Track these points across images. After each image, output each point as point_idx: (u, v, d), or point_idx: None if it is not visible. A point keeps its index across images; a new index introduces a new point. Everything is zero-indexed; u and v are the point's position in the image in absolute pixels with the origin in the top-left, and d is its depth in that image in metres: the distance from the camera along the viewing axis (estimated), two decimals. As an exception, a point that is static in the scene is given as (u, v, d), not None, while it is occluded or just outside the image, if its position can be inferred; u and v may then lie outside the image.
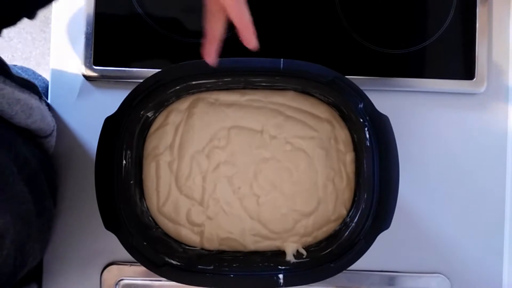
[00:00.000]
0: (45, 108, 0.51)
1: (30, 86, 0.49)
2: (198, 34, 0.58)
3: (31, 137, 0.49)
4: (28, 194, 0.44)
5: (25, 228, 0.45)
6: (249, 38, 0.40)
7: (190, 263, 0.49)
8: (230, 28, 0.58)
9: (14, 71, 0.46)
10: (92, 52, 0.57)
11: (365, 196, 0.49)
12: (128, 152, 0.49)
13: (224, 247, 0.53)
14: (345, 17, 0.58)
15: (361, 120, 0.48)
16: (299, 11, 0.58)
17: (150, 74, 0.48)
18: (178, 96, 0.52)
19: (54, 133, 0.52)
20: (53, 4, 0.58)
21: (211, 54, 0.40)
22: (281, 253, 0.52)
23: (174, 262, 0.49)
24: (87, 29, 0.56)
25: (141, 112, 0.49)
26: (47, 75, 0.62)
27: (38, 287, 0.55)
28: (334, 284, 0.56)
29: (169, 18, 0.58)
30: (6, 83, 0.43)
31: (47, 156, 0.53)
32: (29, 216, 0.45)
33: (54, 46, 0.58)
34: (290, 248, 0.52)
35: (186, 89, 0.51)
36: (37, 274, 0.56)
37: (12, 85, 0.44)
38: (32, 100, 0.46)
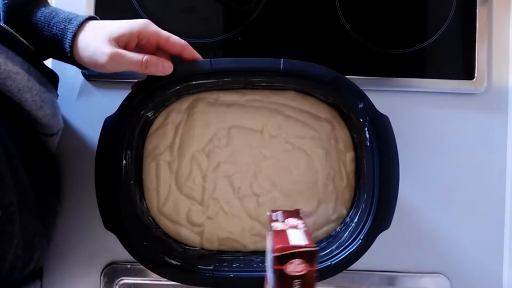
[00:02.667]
0: (58, 106, 0.51)
1: (53, 78, 0.50)
2: (198, 34, 0.58)
3: (36, 134, 0.49)
4: (30, 184, 0.44)
5: (32, 220, 0.45)
6: (194, 54, 0.48)
7: (190, 263, 0.49)
8: (229, 28, 0.58)
9: None
10: (92, 52, 0.57)
11: (365, 196, 0.49)
12: (128, 152, 0.49)
13: (224, 247, 0.53)
14: (345, 17, 0.58)
15: (361, 120, 0.48)
16: (299, 11, 0.58)
17: (150, 74, 0.48)
18: (178, 96, 0.52)
19: (60, 133, 0.52)
20: (55, 3, 0.58)
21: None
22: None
23: (174, 262, 0.49)
24: (87, 29, 0.56)
25: (141, 112, 0.49)
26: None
27: (41, 284, 0.55)
28: (334, 284, 0.56)
29: (169, 18, 0.58)
30: (30, 71, 0.44)
31: (49, 154, 0.53)
32: (35, 208, 0.46)
33: (54, 46, 0.58)
34: (290, 248, 0.52)
35: (186, 89, 0.51)
36: (40, 270, 0.56)
37: (32, 73, 0.44)
38: (46, 94, 0.47)
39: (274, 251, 0.35)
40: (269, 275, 0.38)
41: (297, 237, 0.37)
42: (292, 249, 0.35)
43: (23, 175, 0.43)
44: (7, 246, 0.40)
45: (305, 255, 0.35)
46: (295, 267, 0.35)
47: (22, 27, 0.44)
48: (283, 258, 0.35)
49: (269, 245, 0.38)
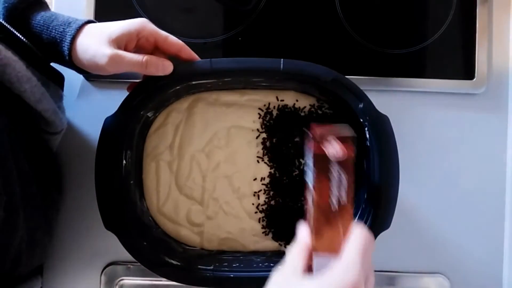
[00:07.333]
0: (63, 105, 0.52)
1: (57, 78, 0.50)
2: (198, 34, 0.58)
3: (38, 131, 0.49)
4: (32, 177, 0.45)
5: (35, 215, 0.46)
6: (191, 54, 0.47)
7: (190, 263, 0.49)
8: (229, 28, 0.58)
9: None
10: (92, 52, 0.57)
11: (365, 196, 0.49)
12: (128, 152, 0.49)
13: (224, 247, 0.53)
14: (345, 17, 0.58)
15: (361, 120, 0.48)
16: (299, 11, 0.58)
17: (150, 74, 0.48)
18: (178, 96, 0.52)
19: (62, 132, 0.52)
20: (54, 3, 0.58)
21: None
22: (281, 253, 0.52)
23: (174, 262, 0.49)
24: (87, 29, 0.56)
25: (141, 112, 0.49)
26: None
27: (43, 280, 0.56)
28: (334, 284, 0.56)
29: (169, 18, 0.58)
30: (29, 69, 0.44)
31: (51, 154, 0.53)
32: (38, 202, 0.46)
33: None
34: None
35: (186, 89, 0.51)
36: (41, 268, 0.56)
37: (31, 69, 0.44)
38: (45, 88, 0.46)
39: (314, 132, 0.36)
40: (309, 171, 0.38)
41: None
42: (331, 130, 0.37)
43: (25, 166, 0.43)
44: (11, 238, 0.40)
45: (343, 140, 0.36)
46: (334, 149, 0.36)
47: (21, 30, 0.44)
48: (321, 137, 0.36)
49: (307, 145, 0.39)
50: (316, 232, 0.36)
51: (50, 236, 0.54)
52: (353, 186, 0.37)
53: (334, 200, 0.36)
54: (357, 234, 0.34)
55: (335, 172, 0.36)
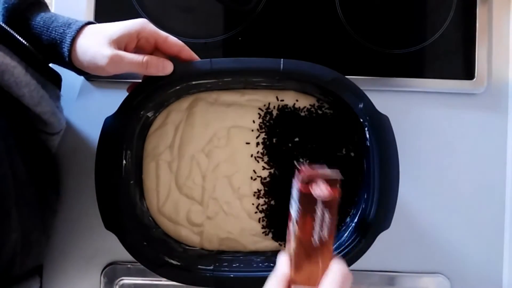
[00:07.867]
0: (61, 106, 0.52)
1: (55, 78, 0.50)
2: (198, 34, 0.58)
3: (37, 132, 0.49)
4: (29, 179, 0.45)
5: (31, 216, 0.45)
6: (191, 55, 0.48)
7: (190, 263, 0.49)
8: (229, 28, 0.58)
9: None
10: (92, 52, 0.57)
11: (365, 196, 0.49)
12: (128, 152, 0.49)
13: (224, 247, 0.53)
14: (345, 17, 0.58)
15: (361, 120, 0.48)
16: (300, 11, 0.58)
17: (150, 74, 0.48)
18: (178, 96, 0.52)
19: (61, 133, 0.52)
20: (55, 4, 0.58)
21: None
22: (281, 253, 0.52)
23: (174, 262, 0.49)
24: (87, 29, 0.56)
25: (141, 112, 0.49)
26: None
27: (41, 280, 0.55)
28: (334, 284, 0.56)
29: (169, 18, 0.58)
30: (28, 69, 0.43)
31: (49, 154, 0.53)
32: (33, 204, 0.46)
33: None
34: (290, 248, 0.52)
35: (186, 89, 0.51)
36: (40, 268, 0.56)
37: (30, 71, 0.44)
38: (44, 90, 0.46)
39: (303, 173, 0.38)
40: (294, 205, 0.39)
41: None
42: (319, 173, 0.38)
43: (21, 169, 0.43)
44: (5, 239, 0.40)
45: (331, 182, 0.37)
46: (320, 190, 0.37)
47: (21, 31, 0.44)
48: (310, 179, 0.37)
49: (295, 180, 0.40)
50: (296, 265, 0.38)
51: (47, 237, 0.53)
52: (336, 224, 0.38)
53: (316, 237, 0.38)
54: (335, 269, 0.36)
55: (320, 211, 0.37)
